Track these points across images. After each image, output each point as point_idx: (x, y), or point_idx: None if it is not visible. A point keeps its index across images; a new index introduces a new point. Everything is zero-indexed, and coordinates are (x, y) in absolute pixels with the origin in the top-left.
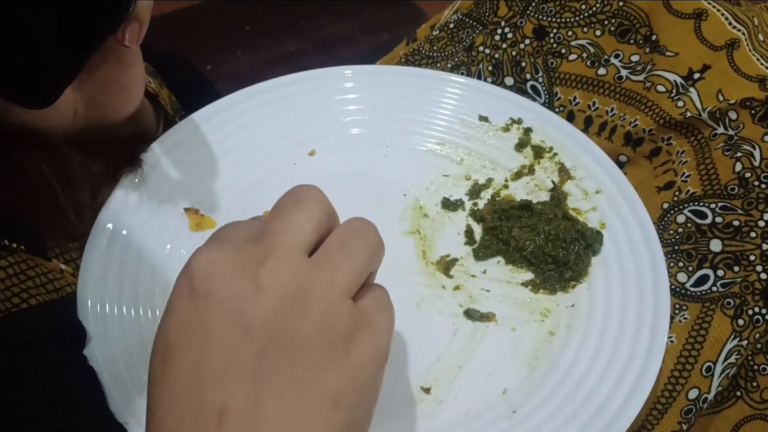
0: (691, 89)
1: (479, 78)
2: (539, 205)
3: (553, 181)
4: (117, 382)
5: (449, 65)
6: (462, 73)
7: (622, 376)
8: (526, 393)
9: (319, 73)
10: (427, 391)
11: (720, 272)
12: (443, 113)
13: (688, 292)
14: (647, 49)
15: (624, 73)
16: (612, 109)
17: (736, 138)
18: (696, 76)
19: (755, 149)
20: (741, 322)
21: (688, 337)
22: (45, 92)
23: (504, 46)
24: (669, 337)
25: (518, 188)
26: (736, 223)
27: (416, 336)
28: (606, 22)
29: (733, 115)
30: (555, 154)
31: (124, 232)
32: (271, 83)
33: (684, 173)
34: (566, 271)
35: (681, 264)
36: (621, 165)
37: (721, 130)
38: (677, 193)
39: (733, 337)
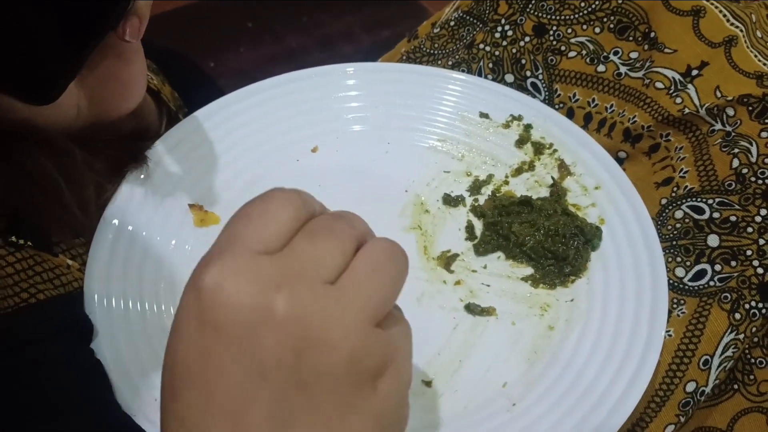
0: (690, 86)
1: (480, 75)
2: (539, 201)
3: (552, 177)
4: (123, 376)
5: (450, 62)
6: (463, 71)
7: (621, 369)
8: (525, 387)
9: (321, 70)
10: (428, 384)
11: (717, 267)
12: (444, 110)
13: (686, 287)
14: (646, 46)
15: (623, 70)
16: (611, 106)
17: (733, 134)
18: (694, 72)
19: (752, 145)
20: (738, 316)
21: (686, 331)
22: (47, 88)
23: (504, 43)
24: (667, 331)
25: (518, 184)
26: (733, 218)
27: (417, 330)
28: (605, 20)
29: (730, 112)
30: (555, 151)
31: (130, 227)
32: (273, 80)
33: (682, 169)
34: (566, 266)
35: (679, 259)
36: (620, 161)
37: (718, 126)
38: (675, 188)
39: (730, 331)
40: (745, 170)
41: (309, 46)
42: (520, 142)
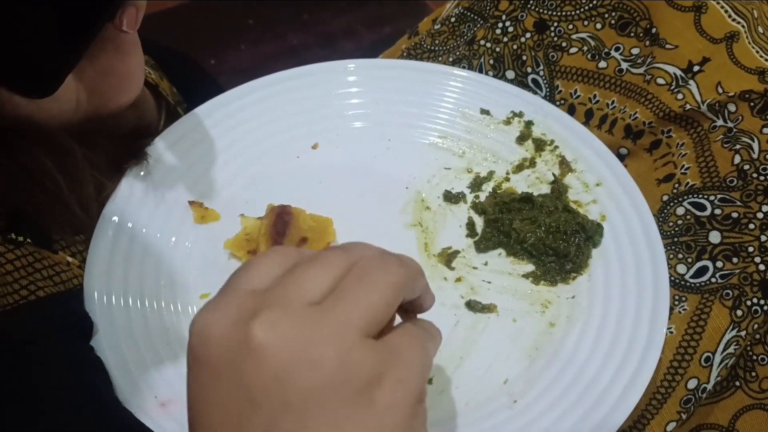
0: (691, 82)
1: (480, 72)
2: (540, 197)
3: (553, 174)
4: (124, 373)
5: (451, 59)
6: (463, 67)
7: (622, 366)
8: (526, 383)
9: (322, 67)
10: (428, 381)
11: (719, 264)
12: (445, 107)
13: (688, 284)
14: (647, 42)
15: (624, 66)
16: (612, 102)
17: (735, 130)
18: (696, 68)
19: (754, 141)
20: (739, 312)
21: (687, 328)
22: (46, 81)
23: (505, 39)
24: (668, 328)
25: (519, 181)
26: (734, 215)
27: None
28: (606, 16)
29: (732, 108)
30: (556, 147)
31: (130, 224)
32: (274, 77)
33: (683, 165)
34: (567, 263)
35: (680, 256)
36: (621, 158)
37: (720, 122)
38: (677, 185)
39: (731, 327)
40: (746, 166)
41: (310, 44)
42: (521, 139)
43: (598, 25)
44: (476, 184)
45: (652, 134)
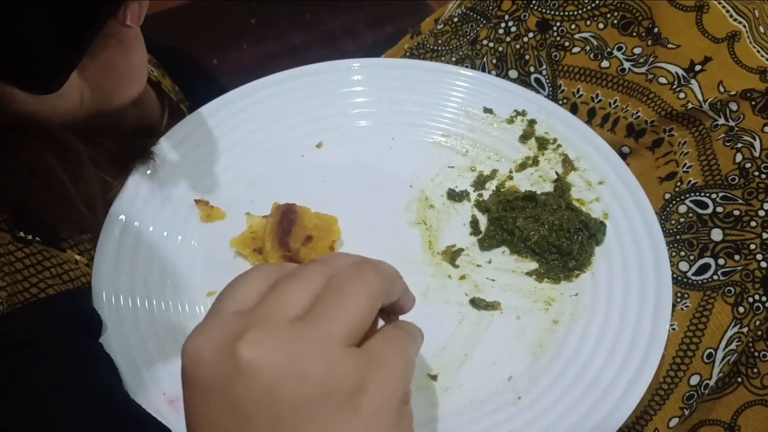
0: (693, 81)
1: (483, 71)
2: (543, 195)
3: (556, 172)
4: (132, 370)
5: (454, 59)
6: (466, 67)
7: (625, 363)
8: (530, 380)
9: (326, 66)
10: (433, 378)
11: (721, 261)
12: (448, 105)
13: (690, 281)
14: (649, 42)
15: (627, 65)
16: (615, 101)
17: (736, 129)
18: (697, 68)
19: (755, 140)
20: (741, 309)
21: (690, 325)
22: (50, 78)
23: (508, 39)
24: (671, 325)
25: (522, 179)
26: (736, 212)
27: (423, 325)
28: (609, 15)
29: (733, 106)
30: (559, 146)
31: (136, 223)
32: (278, 76)
33: (685, 164)
34: (570, 260)
35: (683, 253)
36: (624, 156)
37: (721, 121)
38: (679, 183)
39: (733, 324)
40: (748, 165)
41: (311, 43)
42: (524, 138)
43: (601, 25)
44: (480, 183)
45: (654, 133)
